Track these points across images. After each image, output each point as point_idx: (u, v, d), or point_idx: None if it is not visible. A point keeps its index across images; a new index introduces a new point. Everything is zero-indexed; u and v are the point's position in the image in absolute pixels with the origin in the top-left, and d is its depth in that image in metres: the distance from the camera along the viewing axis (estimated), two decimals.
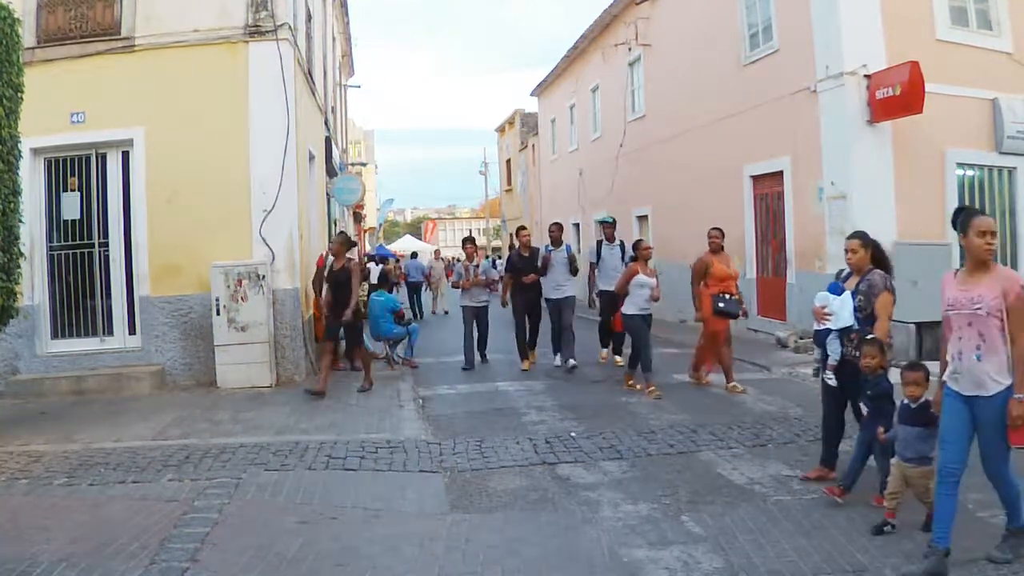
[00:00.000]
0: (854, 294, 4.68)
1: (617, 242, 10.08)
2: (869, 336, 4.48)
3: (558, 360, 9.69)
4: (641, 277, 8.05)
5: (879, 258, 4.78)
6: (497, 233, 44.04)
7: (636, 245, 8.60)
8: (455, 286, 10.45)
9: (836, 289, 4.78)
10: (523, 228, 10.66)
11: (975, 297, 3.53)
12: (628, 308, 8.18)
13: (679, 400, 7.67)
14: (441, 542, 4.08)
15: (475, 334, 10.12)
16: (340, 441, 6.12)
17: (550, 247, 9.86)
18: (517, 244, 10.24)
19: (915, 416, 3.98)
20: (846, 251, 4.81)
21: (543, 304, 9.98)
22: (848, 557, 3.72)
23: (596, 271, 10.18)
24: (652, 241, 15.82)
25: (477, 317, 10.08)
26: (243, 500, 4.77)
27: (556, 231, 10.06)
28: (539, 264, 9.76)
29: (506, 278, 10.17)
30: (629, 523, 4.32)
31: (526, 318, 9.90)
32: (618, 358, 9.73)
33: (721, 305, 8.02)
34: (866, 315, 4.62)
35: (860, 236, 4.83)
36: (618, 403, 7.60)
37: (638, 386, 8.15)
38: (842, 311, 4.63)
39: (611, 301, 9.25)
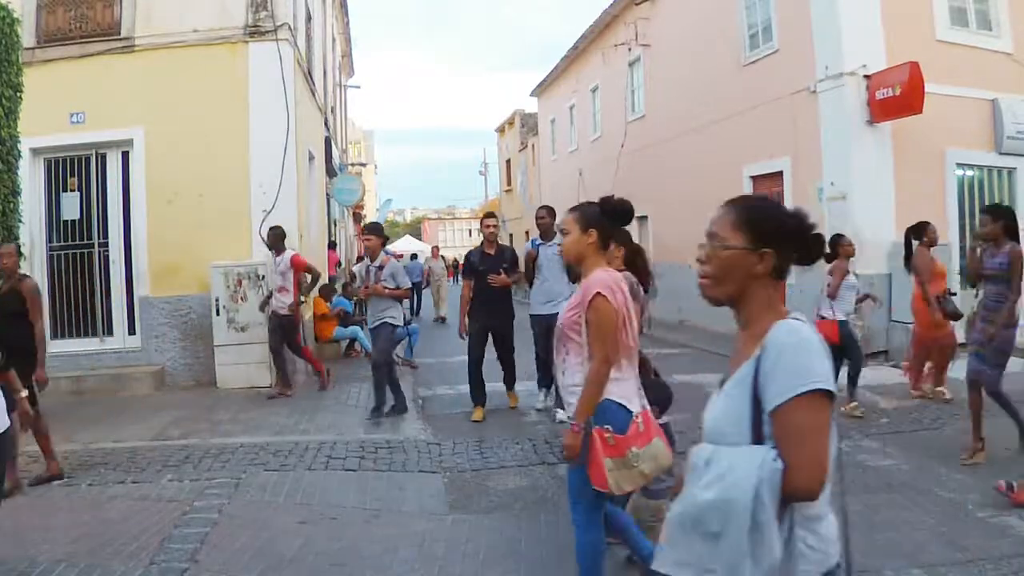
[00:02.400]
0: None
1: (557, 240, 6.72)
2: None
3: (542, 398, 7.26)
4: (852, 278, 7.00)
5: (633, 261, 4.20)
6: None
7: (837, 241, 7.18)
8: (361, 295, 7.81)
9: None
10: (489, 215, 7.58)
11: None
12: (839, 314, 6.88)
13: (678, 401, 7.66)
14: (441, 542, 4.08)
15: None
16: (340, 441, 6.11)
17: (538, 240, 7.02)
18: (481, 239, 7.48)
19: None
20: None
21: (516, 323, 7.26)
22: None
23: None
24: (651, 241, 15.87)
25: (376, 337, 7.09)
26: (243, 500, 4.77)
27: (546, 217, 7.03)
28: (518, 264, 7.37)
29: (463, 289, 7.23)
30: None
31: (484, 346, 7.06)
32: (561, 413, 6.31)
33: (951, 308, 7.00)
34: None
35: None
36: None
37: (847, 407, 6.71)
38: None
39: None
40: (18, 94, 6.75)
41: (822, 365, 1.52)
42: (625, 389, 3.00)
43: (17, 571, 3.64)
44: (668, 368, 9.41)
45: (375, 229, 7.38)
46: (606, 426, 2.89)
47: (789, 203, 11.18)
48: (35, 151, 8.56)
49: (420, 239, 49.33)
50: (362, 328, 12.28)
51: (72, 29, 8.93)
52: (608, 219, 3.09)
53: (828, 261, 7.06)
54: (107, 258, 8.98)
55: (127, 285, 8.97)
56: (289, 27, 9.15)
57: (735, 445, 1.54)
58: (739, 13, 12.40)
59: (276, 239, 8.10)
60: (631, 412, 2.96)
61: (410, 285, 7.82)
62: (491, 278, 6.93)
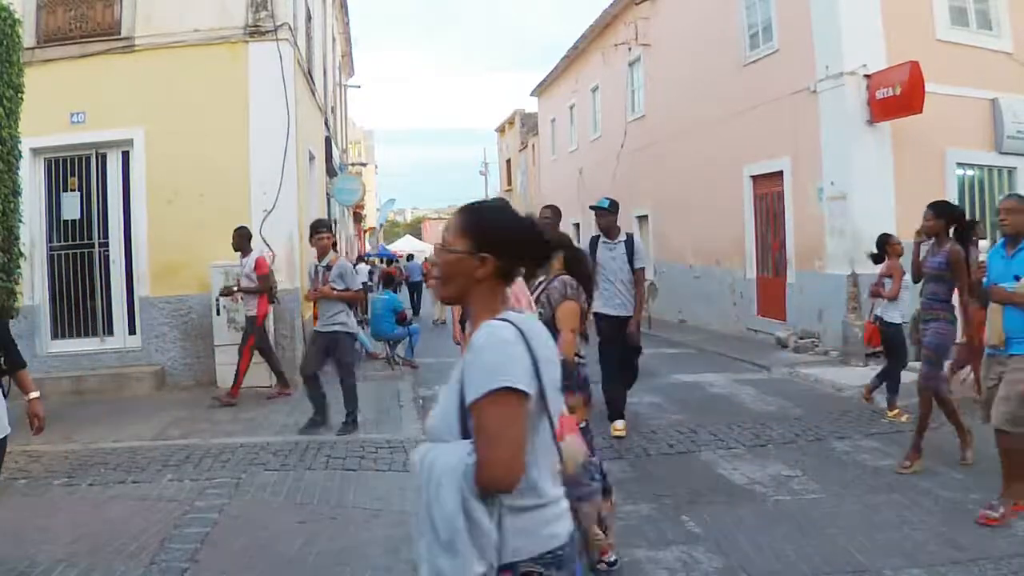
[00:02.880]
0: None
1: (621, 238, 6.48)
2: None
3: None
4: (907, 278, 6.47)
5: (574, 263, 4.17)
6: None
7: (886, 240, 6.87)
8: (307, 298, 7.25)
9: None
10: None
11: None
12: (895, 316, 6.60)
13: (679, 400, 7.67)
14: None
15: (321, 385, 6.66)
16: (340, 441, 6.12)
17: None
18: None
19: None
20: None
21: None
22: (848, 557, 3.72)
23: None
24: (651, 241, 15.88)
25: (328, 351, 6.57)
26: (243, 500, 4.77)
27: (548, 217, 6.22)
28: None
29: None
30: (629, 523, 4.32)
31: None
32: (619, 424, 6.28)
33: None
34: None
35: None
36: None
37: (891, 413, 6.56)
38: None
39: (616, 332, 6.27)
40: (19, 94, 6.74)
41: (513, 364, 1.58)
42: None
43: (17, 571, 3.64)
44: (668, 367, 9.43)
45: (322, 225, 6.96)
46: None
47: (789, 202, 11.21)
48: (35, 151, 8.56)
49: (420, 239, 49.30)
50: (362, 328, 12.31)
51: (72, 29, 8.92)
52: None
53: (876, 262, 6.90)
54: (107, 258, 8.98)
55: (127, 285, 8.96)
56: (289, 27, 9.15)
57: (447, 442, 1.62)
58: (739, 13, 12.40)
59: (241, 240, 7.92)
60: None
61: (360, 287, 7.56)
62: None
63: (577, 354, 4.01)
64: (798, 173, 11.01)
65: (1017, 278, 4.18)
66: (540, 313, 4.00)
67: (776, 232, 11.77)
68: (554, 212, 6.56)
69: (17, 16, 6.79)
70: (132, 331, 8.97)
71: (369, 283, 20.24)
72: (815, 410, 7.02)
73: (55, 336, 8.96)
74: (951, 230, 5.13)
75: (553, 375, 1.68)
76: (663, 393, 7.88)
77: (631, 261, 6.30)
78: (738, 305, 12.77)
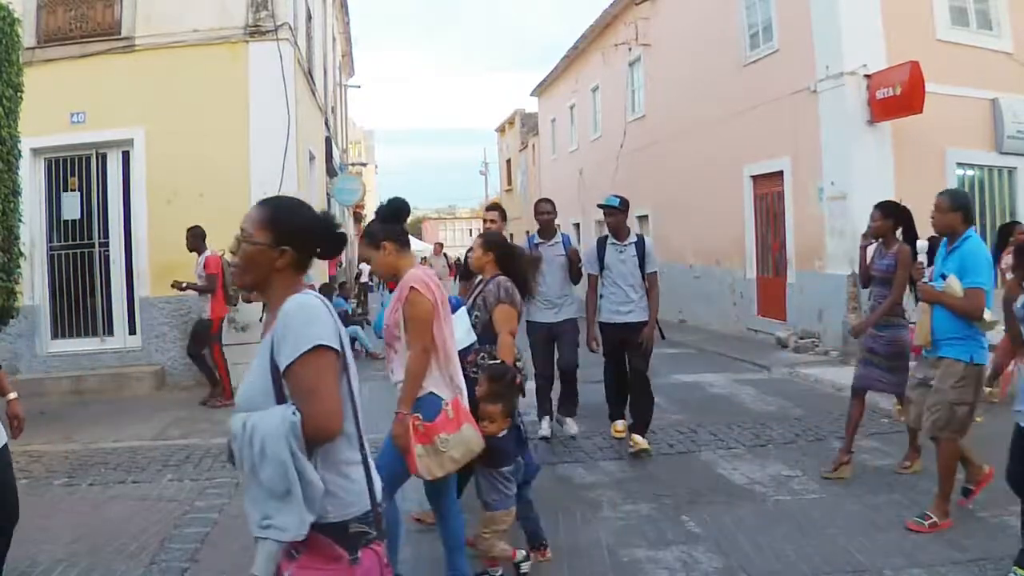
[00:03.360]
0: (470, 310, 4.07)
1: (631, 239, 5.93)
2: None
3: (544, 427, 6.13)
4: None
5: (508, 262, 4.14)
6: None
7: (1010, 230, 6.39)
8: (247, 300, 7.50)
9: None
10: (491, 207, 6.12)
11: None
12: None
13: (679, 400, 7.67)
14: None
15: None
16: None
17: (536, 238, 6.28)
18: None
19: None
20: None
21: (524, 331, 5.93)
22: (848, 557, 3.72)
23: (600, 286, 5.99)
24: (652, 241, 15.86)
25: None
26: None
27: (551, 212, 6.26)
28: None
29: (460, 292, 5.83)
30: (629, 523, 4.32)
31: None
32: (638, 439, 5.67)
33: None
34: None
35: (483, 237, 4.38)
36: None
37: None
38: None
39: (621, 339, 5.83)
40: (18, 94, 6.75)
41: (323, 327, 1.77)
42: (436, 378, 3.18)
43: (18, 571, 3.64)
44: (668, 367, 9.43)
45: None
46: (416, 413, 3.09)
47: (790, 202, 11.21)
48: (35, 151, 8.56)
49: (420, 239, 49.32)
50: (362, 327, 12.31)
51: (72, 29, 8.93)
52: (388, 223, 3.35)
53: (998, 250, 6.54)
54: (107, 258, 8.98)
55: (127, 285, 8.97)
56: (289, 27, 9.16)
57: (262, 409, 1.75)
58: (739, 13, 12.40)
59: (195, 240, 7.84)
60: (440, 399, 3.15)
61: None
62: None
63: (515, 357, 4.01)
64: (798, 173, 11.01)
65: (944, 277, 4.14)
66: (476, 316, 4.01)
67: (776, 232, 11.77)
68: (553, 207, 6.37)
69: (17, 16, 6.79)
70: (132, 331, 8.97)
71: (369, 283, 20.25)
72: (815, 410, 7.02)
73: (55, 336, 8.97)
74: (899, 230, 4.99)
75: (346, 342, 1.86)
76: (663, 393, 7.87)
77: (643, 264, 5.81)
78: (738, 305, 12.76)
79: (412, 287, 3.12)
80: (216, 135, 8.74)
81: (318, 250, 1.94)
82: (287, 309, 1.78)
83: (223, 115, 8.79)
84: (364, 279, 20.11)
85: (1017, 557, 3.35)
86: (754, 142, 11.99)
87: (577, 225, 22.07)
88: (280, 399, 1.75)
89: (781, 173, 11.41)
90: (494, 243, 4.21)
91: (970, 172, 10.47)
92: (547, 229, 6.24)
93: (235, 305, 8.13)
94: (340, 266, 17.10)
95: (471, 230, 68.54)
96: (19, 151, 6.85)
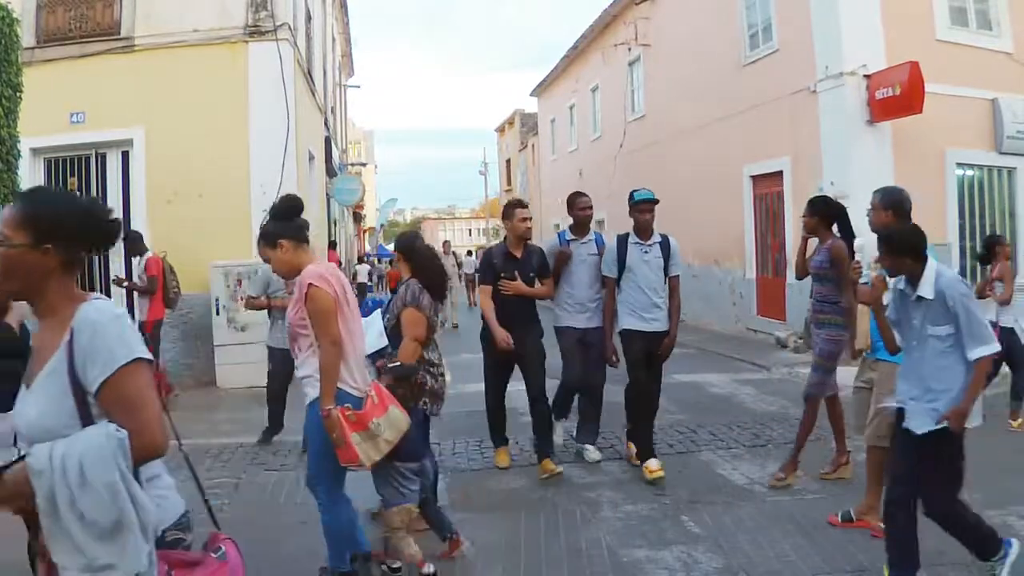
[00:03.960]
0: (384, 312, 4.12)
1: (656, 239, 5.39)
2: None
3: (559, 432, 5.79)
4: (1021, 279, 6.08)
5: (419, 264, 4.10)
6: (497, 233, 44.08)
7: (996, 241, 6.29)
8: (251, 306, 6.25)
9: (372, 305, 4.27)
10: (517, 204, 5.56)
11: None
12: (1007, 320, 6.19)
13: (679, 400, 7.67)
14: (441, 542, 4.08)
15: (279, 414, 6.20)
16: None
17: (568, 234, 5.64)
18: (505, 235, 5.64)
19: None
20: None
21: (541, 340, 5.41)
22: (848, 557, 3.72)
23: (617, 291, 5.40)
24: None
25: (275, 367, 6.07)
26: (243, 500, 4.77)
27: (588, 206, 5.67)
28: (548, 272, 5.47)
29: (483, 295, 5.41)
30: (629, 523, 4.32)
31: (505, 379, 5.47)
32: (654, 466, 5.13)
33: None
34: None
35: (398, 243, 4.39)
36: (618, 403, 7.59)
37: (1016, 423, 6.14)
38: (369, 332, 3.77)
39: (650, 351, 5.26)
40: (18, 94, 6.74)
41: (134, 335, 1.65)
42: (352, 369, 3.24)
43: (18, 570, 3.63)
44: (668, 367, 9.40)
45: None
46: (346, 404, 3.14)
47: (789, 202, 11.21)
48: (35, 151, 8.56)
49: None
50: None
51: (72, 29, 8.93)
52: (282, 221, 3.36)
53: (983, 264, 6.53)
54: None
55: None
56: (289, 27, 9.16)
57: (66, 436, 1.53)
58: (739, 13, 12.40)
59: (133, 244, 7.68)
60: (348, 394, 3.21)
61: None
62: (504, 283, 5.22)
63: (431, 363, 4.02)
64: (798, 173, 11.01)
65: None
66: (388, 320, 4.03)
67: (776, 232, 11.77)
68: (588, 200, 5.73)
69: (16, 16, 6.78)
70: None
71: (369, 283, 20.27)
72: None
73: None
74: (834, 226, 4.87)
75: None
76: (663, 393, 7.81)
77: (667, 267, 5.28)
78: (738, 305, 12.76)
79: (310, 283, 3.13)
80: (216, 135, 8.74)
81: (89, 244, 1.72)
82: (92, 319, 1.60)
83: (223, 115, 8.79)
84: (362, 279, 20.11)
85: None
86: (754, 142, 11.99)
87: None
88: (87, 421, 1.58)
89: (781, 173, 11.41)
90: (403, 247, 4.22)
91: (970, 172, 10.48)
92: (583, 225, 5.62)
93: (173, 309, 8.00)
94: (339, 266, 17.08)
95: (471, 230, 68.61)
96: (19, 151, 6.84)
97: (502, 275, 5.27)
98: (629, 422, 5.54)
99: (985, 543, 3.26)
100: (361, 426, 3.14)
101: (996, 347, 3.13)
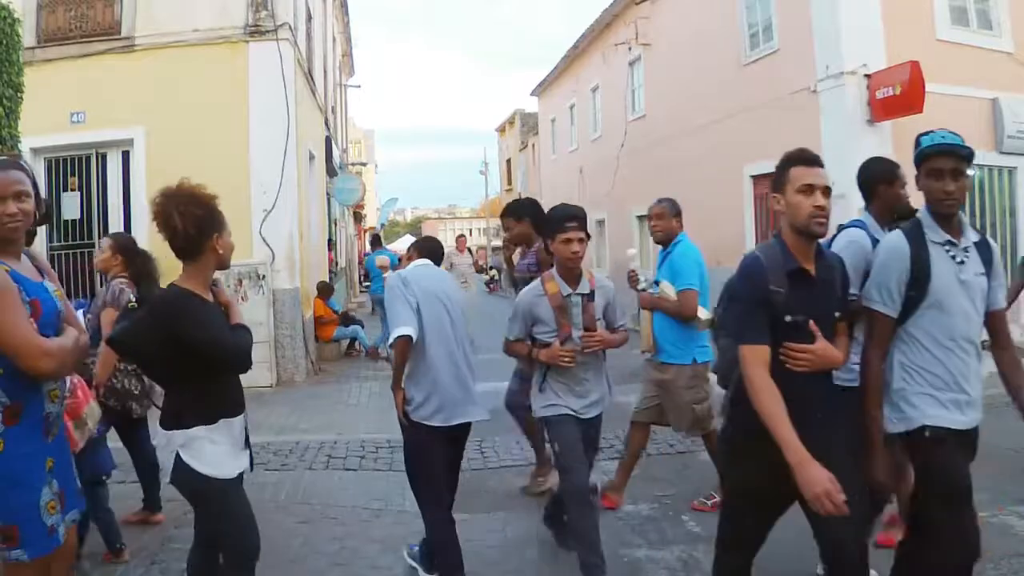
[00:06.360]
0: (86, 312, 4.11)
1: (970, 236, 2.80)
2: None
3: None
4: None
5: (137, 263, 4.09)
6: (497, 233, 44.07)
7: None
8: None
9: None
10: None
11: None
12: None
13: None
14: None
15: None
16: (340, 441, 6.12)
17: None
18: (777, 231, 2.66)
19: None
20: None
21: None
22: None
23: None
24: (652, 242, 15.84)
25: None
26: None
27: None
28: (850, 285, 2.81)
29: (752, 370, 2.42)
30: (629, 523, 4.32)
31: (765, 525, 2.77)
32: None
33: None
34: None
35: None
36: (618, 404, 7.60)
37: None
38: None
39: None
40: (18, 94, 6.74)
41: None
42: None
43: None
44: None
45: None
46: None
47: None
48: (35, 151, 8.56)
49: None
50: (362, 327, 12.31)
51: (72, 29, 8.93)
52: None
53: None
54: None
55: None
56: (289, 27, 9.15)
57: None
58: (739, 13, 12.39)
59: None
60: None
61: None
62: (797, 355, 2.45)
63: (132, 370, 4.00)
64: None
65: (658, 283, 4.19)
66: (89, 320, 4.01)
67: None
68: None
69: (17, 16, 6.78)
70: None
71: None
72: None
73: None
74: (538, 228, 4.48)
75: None
76: None
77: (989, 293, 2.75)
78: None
79: None
80: (216, 135, 8.74)
81: None
82: None
83: (223, 115, 8.79)
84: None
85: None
86: (754, 142, 11.98)
87: None
88: None
89: None
90: (122, 245, 4.22)
91: (970, 172, 10.46)
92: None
93: None
94: (336, 266, 17.09)
95: (471, 230, 68.65)
96: (19, 151, 6.85)
97: (789, 319, 2.45)
98: None
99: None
100: (76, 415, 3.20)
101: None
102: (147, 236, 8.75)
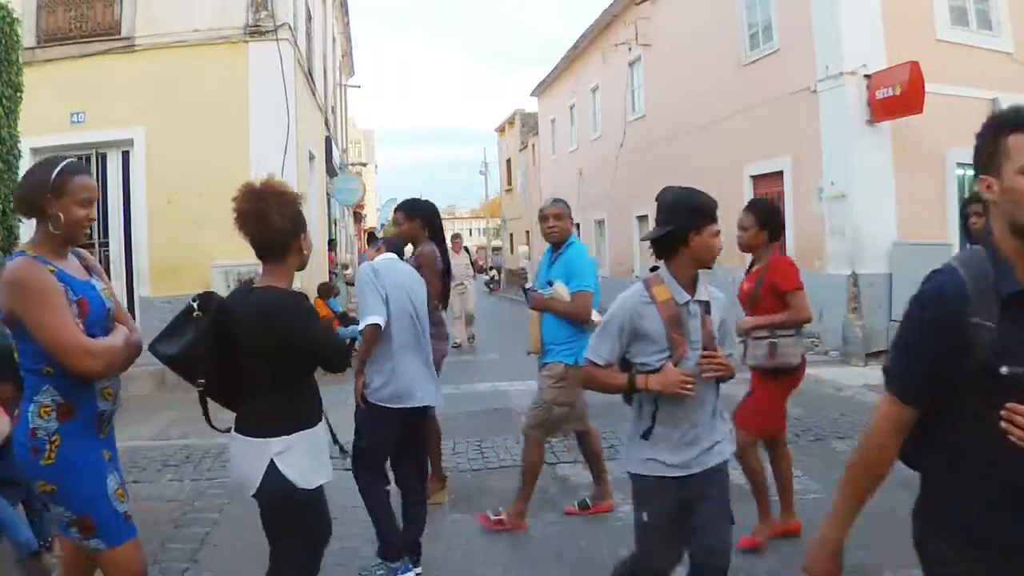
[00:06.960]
0: None
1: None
2: None
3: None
4: None
5: None
6: (497, 233, 44.05)
7: None
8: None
9: None
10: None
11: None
12: None
13: None
14: (441, 542, 4.08)
15: None
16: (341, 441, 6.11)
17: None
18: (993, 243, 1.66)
19: None
20: None
21: None
22: (848, 556, 3.67)
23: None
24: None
25: None
26: (243, 500, 4.73)
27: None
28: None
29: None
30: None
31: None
32: None
33: None
34: None
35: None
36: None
37: None
38: None
39: None
40: (18, 94, 6.74)
41: None
42: None
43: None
44: None
45: None
46: None
47: (790, 202, 11.20)
48: (35, 151, 8.54)
49: None
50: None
51: (72, 29, 8.93)
52: None
53: None
54: (107, 258, 8.98)
55: (127, 285, 8.97)
56: (289, 27, 9.16)
57: None
58: (739, 13, 12.40)
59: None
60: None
61: None
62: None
63: None
64: (798, 173, 11.01)
65: (550, 283, 4.12)
66: None
67: None
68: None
69: (17, 16, 6.79)
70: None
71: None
72: (815, 410, 7.02)
73: None
74: (427, 230, 4.60)
75: None
76: None
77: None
78: (737, 305, 12.75)
79: None
80: (216, 135, 8.74)
81: None
82: None
83: (223, 115, 8.79)
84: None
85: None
86: (754, 142, 11.99)
87: (578, 225, 22.06)
88: None
89: (781, 173, 11.41)
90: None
91: (970, 172, 10.46)
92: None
93: None
94: (336, 266, 17.07)
95: (471, 230, 68.60)
96: (19, 151, 6.84)
97: (1006, 371, 1.55)
98: None
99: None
100: None
101: None
102: (146, 235, 8.81)
